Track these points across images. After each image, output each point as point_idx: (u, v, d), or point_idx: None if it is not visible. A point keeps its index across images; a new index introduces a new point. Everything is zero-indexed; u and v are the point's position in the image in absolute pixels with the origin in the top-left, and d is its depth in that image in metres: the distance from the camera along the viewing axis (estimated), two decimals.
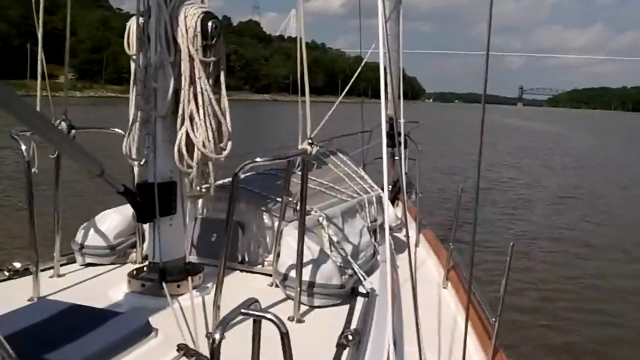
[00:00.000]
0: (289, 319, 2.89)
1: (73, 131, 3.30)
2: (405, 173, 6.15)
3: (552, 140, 47.18)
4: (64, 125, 3.25)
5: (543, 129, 66.78)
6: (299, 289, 2.92)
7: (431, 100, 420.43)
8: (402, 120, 6.15)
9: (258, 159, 2.60)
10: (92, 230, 3.60)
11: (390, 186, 7.38)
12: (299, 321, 2.90)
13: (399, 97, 6.81)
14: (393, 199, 6.86)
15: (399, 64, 7.21)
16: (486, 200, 15.48)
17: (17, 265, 3.26)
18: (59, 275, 3.37)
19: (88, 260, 3.57)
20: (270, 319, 1.81)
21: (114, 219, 3.63)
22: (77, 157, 2.42)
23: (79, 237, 3.60)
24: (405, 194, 3.28)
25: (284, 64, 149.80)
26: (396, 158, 7.75)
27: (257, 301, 1.93)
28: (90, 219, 3.70)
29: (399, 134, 6.86)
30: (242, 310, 1.78)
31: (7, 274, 3.25)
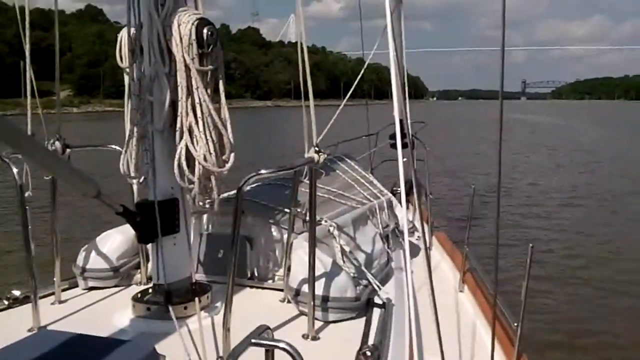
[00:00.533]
0: (303, 336, 2.76)
1: (68, 150, 3.18)
2: (416, 175, 6.01)
3: (559, 134, 46.16)
4: (58, 144, 3.14)
5: (547, 122, 66.09)
6: (312, 304, 2.78)
7: (435, 98, 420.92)
8: (409, 121, 6.03)
9: (263, 171, 2.46)
10: (93, 253, 3.48)
11: (399, 189, 7.25)
12: (314, 338, 2.76)
13: (405, 98, 6.69)
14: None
15: (402, 63, 7.08)
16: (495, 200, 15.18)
17: (17, 293, 3.14)
18: (61, 302, 3.24)
19: (91, 283, 3.45)
20: (283, 348, 1.68)
21: (116, 240, 3.50)
22: (70, 179, 2.30)
23: (80, 260, 3.47)
24: (416, 196, 3.13)
25: (284, 69, 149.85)
26: (404, 159, 7.63)
27: (268, 328, 1.81)
28: (92, 240, 3.58)
29: (406, 135, 6.79)
30: (253, 341, 1.66)
31: (6, 302, 3.12)
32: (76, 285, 3.48)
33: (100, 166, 3.08)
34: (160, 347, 2.46)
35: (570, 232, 12.78)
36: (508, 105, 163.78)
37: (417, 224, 5.35)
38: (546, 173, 22.83)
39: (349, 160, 5.30)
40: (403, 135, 7.27)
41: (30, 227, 2.86)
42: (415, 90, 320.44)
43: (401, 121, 7.48)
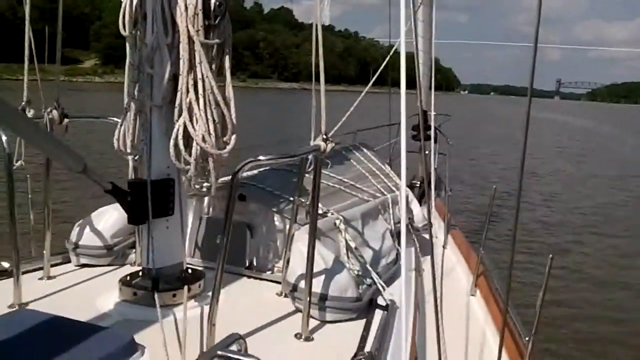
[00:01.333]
0: (296, 336, 2.60)
1: (66, 120, 3.07)
2: (435, 169, 5.85)
3: (590, 139, 43.34)
4: (55, 113, 3.02)
5: (579, 125, 63.27)
6: (308, 302, 2.62)
7: (466, 91, 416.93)
8: (432, 113, 5.85)
9: (261, 157, 2.29)
10: (87, 229, 3.36)
11: (418, 182, 7.08)
12: (307, 339, 2.60)
13: (430, 88, 6.49)
14: (421, 197, 6.56)
15: (430, 53, 6.86)
16: (523, 198, 14.83)
17: (6, 265, 3.02)
18: (49, 277, 3.13)
19: (83, 260, 3.33)
20: None
21: (112, 216, 3.37)
22: (53, 152, 2.18)
23: (73, 236, 3.35)
24: (433, 190, 2.94)
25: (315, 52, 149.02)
26: (426, 152, 7.45)
27: (241, 338, 1.66)
28: (87, 215, 3.46)
29: (429, 127, 6.60)
30: (219, 352, 1.50)
31: None
32: (69, 261, 3.37)
33: (102, 141, 2.94)
34: (142, 336, 2.34)
35: (594, 255, 11.47)
36: (540, 104, 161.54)
37: (433, 221, 5.17)
38: (572, 184, 20.59)
39: (365, 150, 5.13)
40: (426, 127, 7.07)
41: (15, 198, 2.73)
42: (447, 82, 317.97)
43: (425, 112, 7.32)
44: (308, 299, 2.61)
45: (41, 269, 3.14)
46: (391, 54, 6.74)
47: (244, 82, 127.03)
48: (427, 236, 4.67)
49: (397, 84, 2.22)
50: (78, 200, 8.72)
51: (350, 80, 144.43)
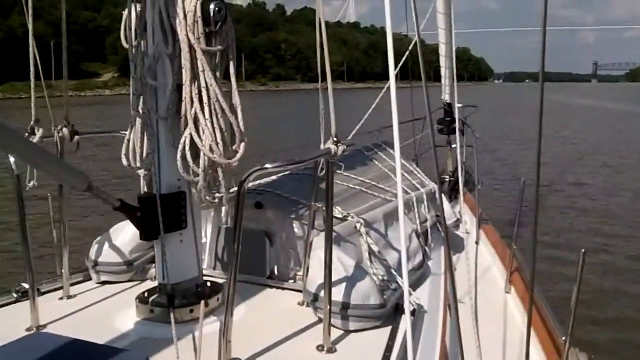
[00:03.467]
0: (318, 348, 2.56)
1: (76, 137, 3.10)
2: (463, 163, 5.76)
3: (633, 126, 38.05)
4: (65, 131, 3.05)
5: (616, 110, 57.81)
6: (328, 312, 2.57)
7: (501, 81, 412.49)
8: (458, 105, 5.75)
9: (268, 165, 2.26)
10: (106, 245, 3.39)
11: (447, 178, 6.99)
12: (330, 350, 2.55)
13: (453, 79, 6.42)
14: (450, 193, 6.47)
15: (451, 44, 6.78)
16: (552, 193, 14.48)
17: (26, 286, 3.06)
18: (69, 297, 3.17)
19: (103, 278, 3.37)
20: None
21: (130, 232, 3.37)
22: (56, 172, 2.18)
23: (92, 253, 3.39)
24: (462, 185, 2.89)
25: (339, 50, 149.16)
26: (453, 146, 7.37)
27: None
28: (106, 232, 3.49)
29: (455, 121, 6.51)
30: None
31: (15, 296, 3.07)
32: (90, 279, 3.40)
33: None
34: (158, 355, 2.34)
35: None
36: (576, 89, 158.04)
37: (465, 217, 5.09)
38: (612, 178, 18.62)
39: (388, 149, 5.07)
40: (452, 121, 6.99)
41: (26, 219, 2.77)
42: (479, 72, 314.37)
43: (450, 105, 7.22)
44: (328, 308, 2.56)
45: (61, 288, 3.18)
46: (410, 48, 6.69)
47: (264, 86, 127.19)
48: (459, 233, 4.60)
49: (421, 78, 2.18)
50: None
51: (377, 76, 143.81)
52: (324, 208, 2.99)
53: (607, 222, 12.61)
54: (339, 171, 3.97)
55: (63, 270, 3.16)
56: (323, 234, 2.99)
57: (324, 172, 2.65)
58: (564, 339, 2.94)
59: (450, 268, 2.42)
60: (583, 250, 2.74)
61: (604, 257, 9.85)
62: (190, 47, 2.49)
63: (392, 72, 2.00)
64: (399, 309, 2.86)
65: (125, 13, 2.69)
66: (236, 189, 2.94)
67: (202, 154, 2.55)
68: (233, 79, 2.66)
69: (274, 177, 3.89)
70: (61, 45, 3.06)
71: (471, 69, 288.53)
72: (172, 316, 2.51)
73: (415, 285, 3.43)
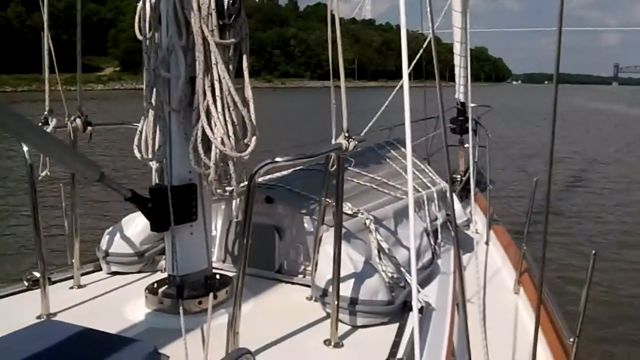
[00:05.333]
0: (325, 342, 2.64)
1: (90, 128, 3.19)
2: (475, 162, 5.83)
3: None
4: (78, 122, 3.15)
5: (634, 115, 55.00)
6: (336, 307, 2.64)
7: (519, 82, 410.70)
8: (470, 104, 5.83)
9: (278, 159, 2.31)
10: (117, 236, 3.48)
11: (458, 177, 7.06)
12: (337, 345, 2.63)
13: (467, 79, 6.48)
14: (460, 192, 6.53)
15: (466, 43, 6.85)
16: (564, 194, 14.47)
17: (37, 274, 3.14)
18: (80, 286, 3.26)
19: (114, 268, 3.46)
20: None
21: (141, 223, 3.46)
22: (68, 162, 2.26)
23: (103, 244, 3.49)
24: (473, 185, 2.96)
25: (350, 47, 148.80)
26: (465, 145, 7.43)
27: (249, 352, 1.76)
28: (117, 222, 3.59)
29: (468, 120, 6.57)
30: None
31: (26, 284, 3.17)
32: (100, 269, 3.50)
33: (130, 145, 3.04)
34: (166, 345, 2.42)
35: None
36: (594, 92, 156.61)
37: (475, 217, 5.15)
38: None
39: (400, 146, 5.15)
40: (465, 120, 7.06)
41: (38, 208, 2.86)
42: (496, 72, 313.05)
43: (463, 104, 7.29)
44: (336, 303, 2.63)
45: (71, 277, 3.28)
46: (424, 46, 6.75)
47: (269, 82, 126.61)
48: (469, 232, 4.67)
49: (435, 77, 2.25)
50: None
51: (390, 75, 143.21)
52: (334, 204, 3.09)
53: (620, 225, 12.68)
54: (350, 167, 4.04)
55: (74, 260, 3.25)
56: (332, 230, 3.08)
57: (334, 167, 2.72)
58: (571, 340, 3.01)
59: (459, 267, 2.50)
60: (593, 252, 2.81)
61: (614, 259, 9.88)
62: (204, 39, 2.56)
63: (406, 70, 2.05)
64: (406, 306, 2.93)
65: (140, 4, 2.77)
66: (247, 182, 3.05)
67: (213, 147, 2.62)
68: (246, 72, 2.72)
69: (284, 172, 3.97)
70: (59, 38, 3.14)
71: (488, 69, 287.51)
72: (180, 307, 2.59)
73: (423, 283, 3.49)
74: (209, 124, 2.60)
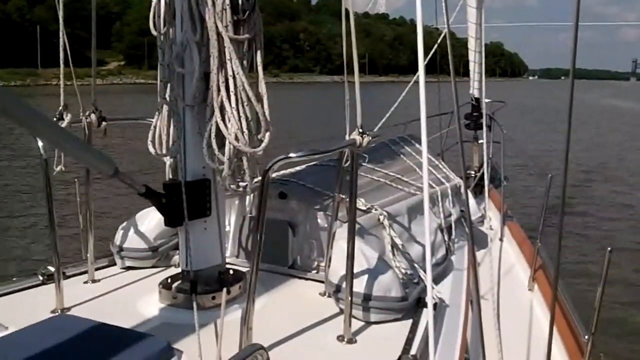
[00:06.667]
0: (338, 338, 2.67)
1: (104, 123, 3.24)
2: (490, 158, 5.85)
3: None
4: (93, 117, 3.20)
5: None
6: (349, 303, 2.68)
7: (536, 77, 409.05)
8: (485, 100, 5.85)
9: (292, 154, 2.34)
10: (131, 231, 3.53)
11: (472, 173, 7.09)
12: (350, 341, 2.66)
13: (481, 74, 6.50)
14: (475, 188, 6.56)
15: (481, 38, 6.86)
16: (579, 190, 14.43)
17: (52, 269, 3.18)
18: (94, 281, 3.32)
19: (128, 263, 3.52)
20: None
21: (155, 218, 3.50)
22: (83, 157, 2.30)
23: (117, 239, 3.54)
24: (487, 181, 2.98)
25: (361, 42, 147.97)
26: (480, 142, 7.45)
27: (262, 348, 1.78)
28: (131, 217, 3.64)
29: (482, 116, 6.59)
30: None
31: (41, 278, 3.22)
32: (114, 264, 3.56)
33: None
34: (180, 340, 2.46)
35: None
36: (611, 87, 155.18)
37: (489, 213, 5.18)
38: None
39: (414, 142, 5.18)
40: (479, 116, 7.08)
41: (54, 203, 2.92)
42: (512, 67, 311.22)
43: (478, 100, 7.31)
44: (349, 299, 2.66)
45: (86, 272, 3.34)
46: (439, 41, 6.77)
47: (276, 77, 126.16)
48: (482, 229, 4.69)
49: (449, 72, 2.28)
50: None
51: (402, 70, 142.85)
52: (348, 199, 3.13)
53: (637, 222, 12.72)
54: (363, 163, 4.08)
55: (88, 255, 3.31)
56: (346, 225, 3.12)
57: (348, 163, 2.75)
58: (587, 337, 3.04)
59: (473, 263, 2.53)
60: (609, 249, 2.83)
61: (630, 257, 9.85)
62: (218, 34, 2.59)
63: (422, 65, 2.07)
64: (420, 303, 2.96)
65: (154, 0, 2.82)
66: (260, 177, 3.09)
67: (227, 142, 2.66)
68: (260, 68, 2.76)
69: (298, 168, 4.01)
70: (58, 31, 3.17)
71: (503, 63, 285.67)
72: (194, 302, 2.63)
73: (437, 280, 3.52)
74: (223, 119, 2.63)
